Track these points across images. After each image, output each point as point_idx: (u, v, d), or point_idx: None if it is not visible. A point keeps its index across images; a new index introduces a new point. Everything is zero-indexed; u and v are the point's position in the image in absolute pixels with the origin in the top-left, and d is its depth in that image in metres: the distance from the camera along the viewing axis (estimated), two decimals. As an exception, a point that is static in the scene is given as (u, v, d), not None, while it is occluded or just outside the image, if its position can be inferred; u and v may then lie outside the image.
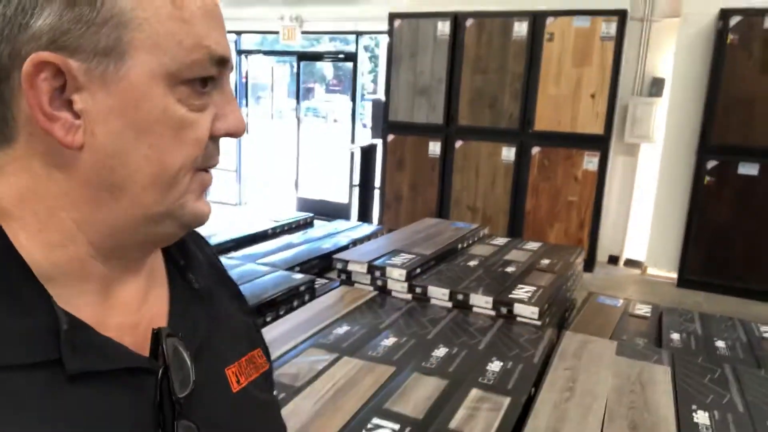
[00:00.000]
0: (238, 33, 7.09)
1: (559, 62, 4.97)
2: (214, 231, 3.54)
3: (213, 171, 0.52)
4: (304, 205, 6.76)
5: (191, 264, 0.57)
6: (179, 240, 0.56)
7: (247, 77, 7.46)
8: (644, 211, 5.18)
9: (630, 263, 5.33)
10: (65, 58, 0.41)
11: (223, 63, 0.47)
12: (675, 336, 2.24)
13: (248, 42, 7.41)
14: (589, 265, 4.98)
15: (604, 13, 4.76)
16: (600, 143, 4.90)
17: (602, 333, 2.27)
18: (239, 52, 7.24)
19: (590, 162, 4.95)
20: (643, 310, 2.62)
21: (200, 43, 0.45)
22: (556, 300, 2.44)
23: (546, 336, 2.06)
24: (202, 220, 0.51)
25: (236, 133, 0.50)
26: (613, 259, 5.37)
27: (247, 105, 7.51)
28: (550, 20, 4.95)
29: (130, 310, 0.49)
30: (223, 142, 0.51)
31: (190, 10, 0.45)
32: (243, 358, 0.59)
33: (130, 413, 0.45)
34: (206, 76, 0.46)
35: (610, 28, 4.75)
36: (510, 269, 2.68)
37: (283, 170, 7.87)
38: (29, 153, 0.43)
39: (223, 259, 2.65)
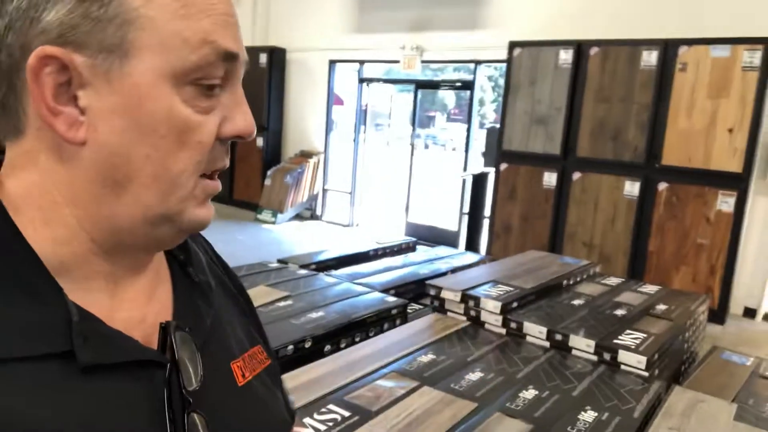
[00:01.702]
0: (361, 62, 7.36)
1: (692, 93, 4.60)
2: (320, 248, 3.65)
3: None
4: (414, 230, 6.78)
5: (190, 259, 0.58)
6: None
7: (367, 105, 7.70)
8: (790, 260, 4.59)
9: (770, 318, 4.73)
10: (71, 53, 0.41)
11: (231, 60, 0.46)
12: (815, 406, 1.93)
13: (372, 71, 7.67)
14: (720, 316, 4.49)
15: (746, 41, 4.35)
16: (737, 182, 4.44)
17: (723, 394, 2.01)
18: (360, 81, 7.50)
19: (725, 202, 4.49)
20: (777, 372, 2.29)
21: (206, 38, 0.44)
22: (669, 351, 2.21)
23: (653, 389, 1.86)
24: (201, 226, 0.50)
25: (244, 136, 0.48)
26: (750, 312, 4.79)
27: (365, 131, 7.74)
28: (683, 49, 4.62)
29: (137, 306, 0.50)
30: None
31: (197, 6, 0.44)
32: (246, 353, 0.59)
33: (140, 406, 0.45)
34: (214, 76, 0.45)
35: (754, 57, 4.32)
36: (619, 312, 2.48)
37: (396, 195, 7.99)
38: (36, 147, 0.44)
39: (323, 276, 2.71)
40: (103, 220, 0.46)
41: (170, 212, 0.47)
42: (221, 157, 0.49)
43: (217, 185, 0.50)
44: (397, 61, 6.76)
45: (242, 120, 0.48)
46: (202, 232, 0.63)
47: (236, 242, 5.90)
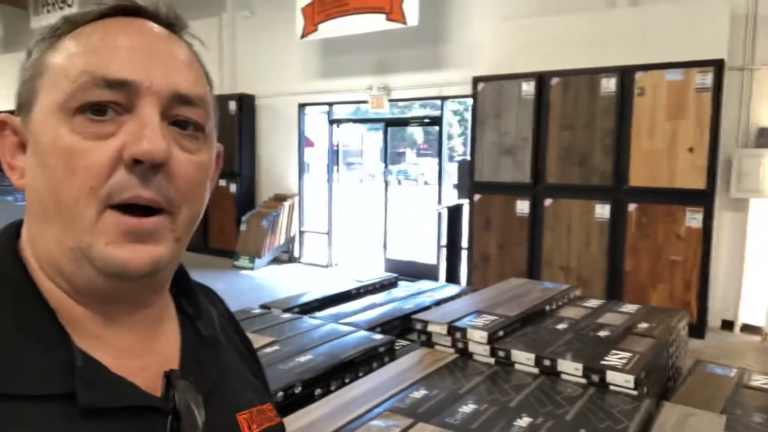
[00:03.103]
0: (330, 104, 7.48)
1: (651, 116, 4.78)
2: (301, 291, 3.63)
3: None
4: (393, 266, 6.79)
5: (200, 314, 0.59)
6: (190, 292, 0.59)
7: (338, 145, 7.79)
8: (761, 270, 4.72)
9: (748, 329, 4.82)
10: (14, 117, 0.49)
11: (121, 86, 0.46)
12: (800, 412, 1.97)
13: (341, 111, 7.79)
14: (700, 330, 4.57)
15: (698, 64, 4.57)
16: (702, 198, 4.59)
17: (711, 406, 2.04)
18: (330, 122, 7.60)
19: (693, 218, 4.63)
20: (761, 381, 2.34)
21: (85, 70, 0.46)
22: (655, 368, 2.24)
23: (643, 407, 1.88)
24: (119, 269, 0.46)
25: (143, 157, 0.45)
26: (728, 325, 4.89)
27: (338, 171, 7.81)
28: (639, 74, 4.82)
29: (135, 354, 0.51)
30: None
31: (90, 46, 0.47)
32: (254, 407, 0.59)
33: None
34: (97, 101, 0.45)
35: (706, 79, 4.53)
36: (603, 333, 2.51)
37: (372, 232, 8.01)
38: None
39: (307, 319, 2.69)
40: (45, 261, 0.48)
41: (79, 247, 0.46)
42: (130, 186, 0.45)
43: (134, 222, 0.46)
44: (365, 102, 6.89)
45: (142, 142, 0.45)
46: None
47: (215, 291, 5.80)
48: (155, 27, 0.50)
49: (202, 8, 7.87)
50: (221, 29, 8.04)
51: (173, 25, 0.52)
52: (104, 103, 0.45)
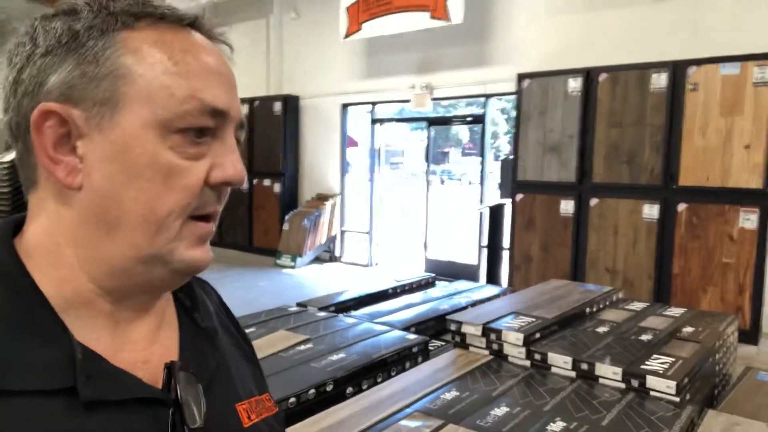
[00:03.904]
0: (373, 104, 7.50)
1: (704, 112, 4.59)
2: (338, 289, 3.65)
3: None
4: (433, 266, 6.76)
5: (197, 305, 0.60)
6: (186, 285, 0.59)
7: (381, 145, 7.80)
8: (822, 275, 4.46)
9: (807, 336, 4.57)
10: (69, 108, 0.46)
11: (220, 115, 0.50)
12: None
13: (384, 111, 7.79)
14: (753, 336, 4.36)
15: (756, 57, 4.35)
16: (759, 198, 4.38)
17: (761, 416, 1.94)
18: (373, 121, 7.63)
19: (747, 219, 4.41)
20: (817, 391, 2.21)
21: (193, 95, 0.48)
22: (699, 374, 2.15)
23: (684, 414, 1.80)
24: (195, 267, 0.52)
25: (232, 182, 0.51)
26: (785, 331, 4.65)
27: (380, 171, 7.83)
28: (692, 69, 4.63)
29: (140, 347, 0.52)
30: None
31: (189, 66, 0.49)
32: (253, 398, 0.60)
33: None
34: (201, 126, 0.49)
35: (765, 72, 4.31)
36: (645, 337, 2.42)
37: (413, 232, 7.99)
38: (46, 195, 0.49)
39: (342, 317, 2.71)
40: (99, 260, 0.49)
41: (160, 252, 0.49)
42: (211, 202, 0.51)
43: (208, 227, 0.52)
44: (407, 101, 6.88)
45: (231, 167, 0.51)
46: (212, 283, 0.65)
47: (257, 288, 5.92)
48: (210, 44, 0.52)
49: (249, 11, 8.03)
50: (269, 31, 8.18)
51: (216, 38, 0.53)
52: (207, 129, 0.49)
